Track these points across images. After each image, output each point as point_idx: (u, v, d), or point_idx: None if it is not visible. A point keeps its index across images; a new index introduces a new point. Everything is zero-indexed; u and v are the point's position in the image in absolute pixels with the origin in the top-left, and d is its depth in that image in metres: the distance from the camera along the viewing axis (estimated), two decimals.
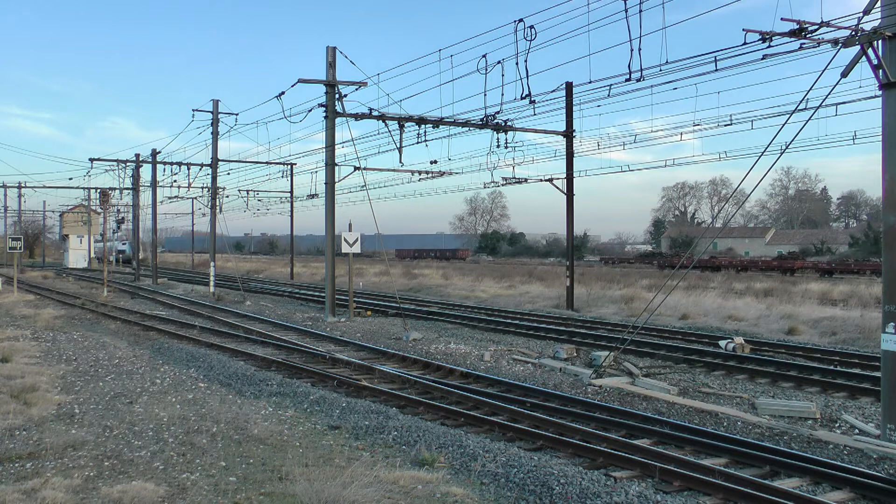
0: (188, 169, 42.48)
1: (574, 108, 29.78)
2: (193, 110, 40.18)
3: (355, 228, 27.94)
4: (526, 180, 32.97)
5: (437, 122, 26.41)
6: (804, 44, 12.88)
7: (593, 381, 14.53)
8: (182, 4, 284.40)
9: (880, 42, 10.30)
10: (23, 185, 69.12)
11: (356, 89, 26.73)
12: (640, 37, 16.43)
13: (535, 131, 29.21)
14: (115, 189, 51.73)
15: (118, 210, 62.69)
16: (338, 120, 26.72)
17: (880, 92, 10.46)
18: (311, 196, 44.21)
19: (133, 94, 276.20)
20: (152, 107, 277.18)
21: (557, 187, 31.24)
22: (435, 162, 30.11)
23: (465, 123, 26.64)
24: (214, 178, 40.50)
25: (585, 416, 11.67)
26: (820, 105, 12.60)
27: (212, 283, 39.87)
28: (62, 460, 8.57)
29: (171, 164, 43.50)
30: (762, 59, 14.44)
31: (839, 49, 11.16)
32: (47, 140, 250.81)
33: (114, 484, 7.64)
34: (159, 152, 49.00)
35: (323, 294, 29.87)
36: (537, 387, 14.06)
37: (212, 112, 39.79)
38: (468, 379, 15.09)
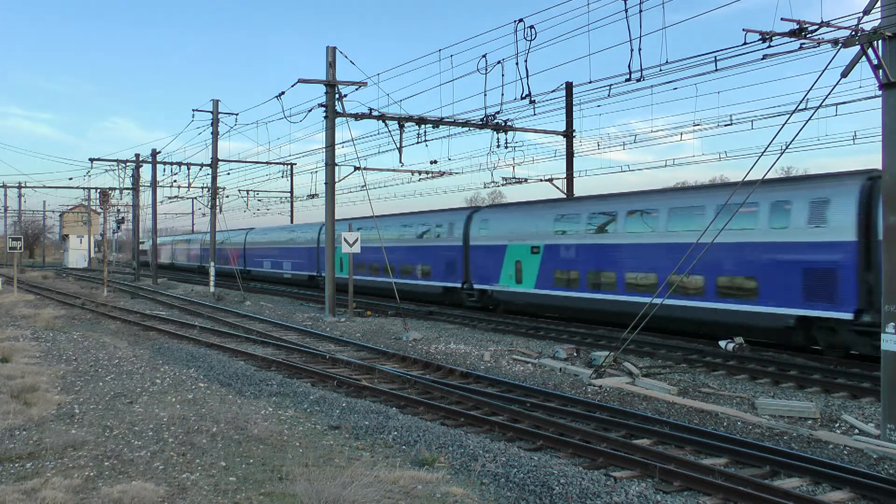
0: (188, 169, 42.54)
1: (574, 108, 29.83)
2: (193, 110, 40.29)
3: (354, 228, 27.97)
4: (526, 180, 32.99)
5: (437, 122, 26.41)
6: (804, 44, 12.90)
7: (593, 381, 14.53)
8: (182, 5, 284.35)
9: (880, 42, 10.30)
10: (23, 185, 69.18)
11: (356, 89, 26.76)
12: (640, 37, 16.46)
13: (535, 131, 29.22)
14: (115, 189, 51.73)
15: (118, 210, 62.68)
16: (338, 120, 26.71)
17: (880, 92, 10.46)
18: (311, 196, 44.29)
19: (133, 94, 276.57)
20: (152, 107, 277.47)
21: (557, 187, 31.26)
22: (435, 162, 30.17)
23: (465, 123, 26.66)
24: (214, 178, 40.51)
25: (585, 416, 11.67)
26: (820, 105, 12.59)
27: (212, 283, 39.87)
28: (62, 460, 8.57)
29: (171, 164, 43.57)
30: (762, 59, 14.48)
31: (839, 49, 11.17)
32: (47, 140, 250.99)
33: (114, 484, 7.63)
34: (159, 152, 49.08)
35: (323, 294, 29.86)
36: (537, 387, 14.06)
37: (212, 112, 39.81)
38: (468, 379, 15.08)
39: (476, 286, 26.99)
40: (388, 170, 36.97)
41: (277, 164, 44.13)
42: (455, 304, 28.89)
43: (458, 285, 27.92)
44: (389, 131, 26.53)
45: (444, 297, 29.18)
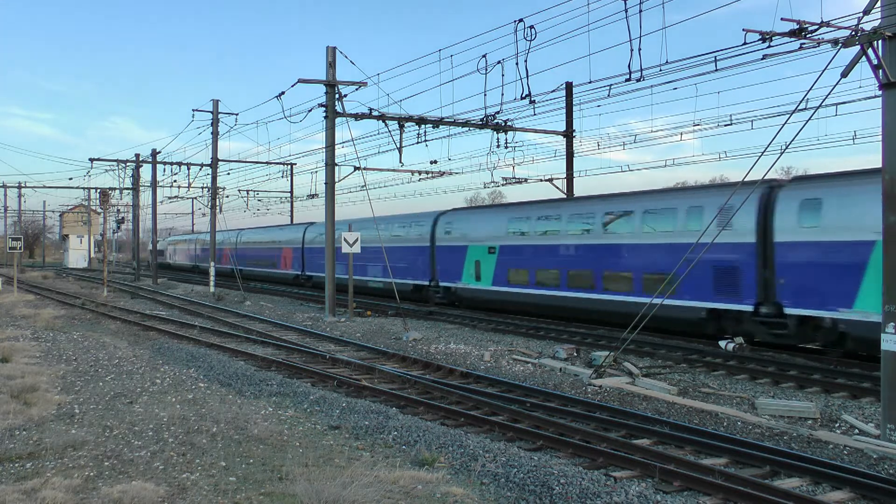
0: (188, 169, 42.56)
1: (574, 108, 29.83)
2: (193, 110, 40.32)
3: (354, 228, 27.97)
4: (526, 180, 32.99)
5: (437, 122, 26.42)
6: (804, 44, 12.89)
7: (593, 381, 14.53)
8: (183, 5, 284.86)
9: (880, 42, 10.30)
10: (23, 185, 69.22)
11: (356, 89, 26.77)
12: (640, 37, 16.45)
13: (535, 131, 29.22)
14: (115, 189, 51.73)
15: (118, 210, 62.70)
16: (338, 120, 26.72)
17: (880, 92, 10.46)
18: (311, 196, 44.28)
19: (133, 94, 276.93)
20: (152, 107, 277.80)
21: (557, 188, 31.26)
22: (435, 162, 30.17)
23: (465, 123, 26.66)
24: (214, 178, 40.52)
25: (585, 416, 11.67)
26: (820, 105, 12.60)
27: (212, 283, 39.87)
28: (62, 460, 8.57)
29: (171, 164, 43.59)
30: (762, 59, 14.48)
31: (839, 49, 11.17)
32: (47, 140, 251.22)
33: (114, 484, 7.63)
34: (159, 152, 49.09)
35: (322, 294, 29.85)
36: (537, 387, 14.06)
37: (212, 112, 39.82)
38: (468, 379, 15.08)
39: (791, 310, 16.61)
40: (388, 170, 36.96)
41: (277, 164, 44.17)
42: (733, 335, 17.80)
43: (747, 308, 17.48)
44: (389, 131, 26.55)
45: (704, 325, 18.80)
